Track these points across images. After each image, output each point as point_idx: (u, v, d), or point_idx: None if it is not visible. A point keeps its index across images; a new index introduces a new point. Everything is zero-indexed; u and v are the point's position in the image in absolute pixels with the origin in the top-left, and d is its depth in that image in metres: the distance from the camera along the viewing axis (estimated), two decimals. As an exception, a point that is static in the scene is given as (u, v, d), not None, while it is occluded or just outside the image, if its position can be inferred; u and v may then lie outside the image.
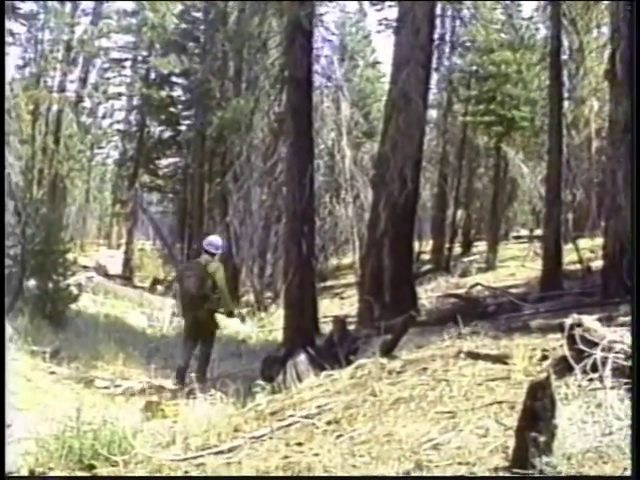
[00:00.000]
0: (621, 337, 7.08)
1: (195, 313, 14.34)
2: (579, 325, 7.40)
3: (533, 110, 35.07)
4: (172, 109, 47.55)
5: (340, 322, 12.54)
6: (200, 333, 14.52)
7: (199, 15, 44.78)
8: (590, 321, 7.71)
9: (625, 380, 6.36)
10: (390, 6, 38.29)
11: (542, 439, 5.04)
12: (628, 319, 11.12)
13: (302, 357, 11.20)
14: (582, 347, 7.05)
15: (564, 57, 27.16)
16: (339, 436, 6.74)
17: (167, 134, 48.32)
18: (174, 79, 47.05)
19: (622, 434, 5.55)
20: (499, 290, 22.42)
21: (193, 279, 14.24)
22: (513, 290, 22.86)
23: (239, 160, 29.66)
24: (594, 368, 6.70)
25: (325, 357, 10.81)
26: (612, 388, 6.29)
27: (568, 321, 7.61)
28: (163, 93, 46.58)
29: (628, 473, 5.05)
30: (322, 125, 27.50)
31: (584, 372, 6.76)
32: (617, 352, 6.70)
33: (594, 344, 6.95)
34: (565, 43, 26.87)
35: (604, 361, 6.62)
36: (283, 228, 21.61)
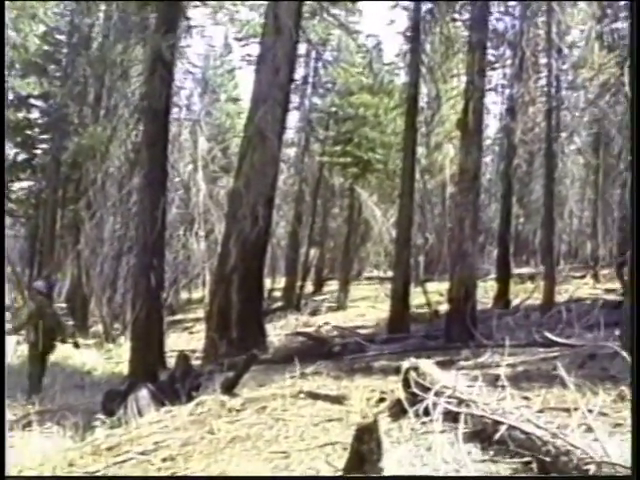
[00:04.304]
0: (455, 382, 7.25)
1: (49, 343, 16.14)
2: (415, 369, 7.55)
3: (388, 154, 35.69)
4: (28, 132, 46.33)
5: (183, 358, 12.44)
6: (43, 360, 16.37)
7: (62, 38, 43.96)
8: (427, 365, 7.86)
9: (455, 425, 6.51)
10: (255, 42, 38.59)
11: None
12: (468, 363, 11.46)
13: (144, 392, 11.01)
14: (416, 391, 7.21)
15: (421, 104, 27.83)
16: (173, 473, 6.71)
17: (22, 157, 47.14)
18: (32, 101, 45.95)
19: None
20: (348, 330, 22.65)
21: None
22: (362, 330, 23.09)
23: (93, 187, 29.26)
24: (427, 412, 6.84)
25: (166, 393, 10.71)
26: (442, 432, 6.43)
27: (405, 364, 7.76)
28: (20, 115, 45.46)
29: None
30: (179, 158, 27.39)
31: (417, 415, 6.90)
32: (448, 397, 6.86)
33: (427, 388, 7.11)
34: (424, 90, 27.57)
35: (435, 405, 6.76)
36: (133, 260, 21.38)
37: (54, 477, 6.68)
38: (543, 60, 29.72)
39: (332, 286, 40.56)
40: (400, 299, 22.59)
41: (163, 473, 6.77)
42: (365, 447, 5.15)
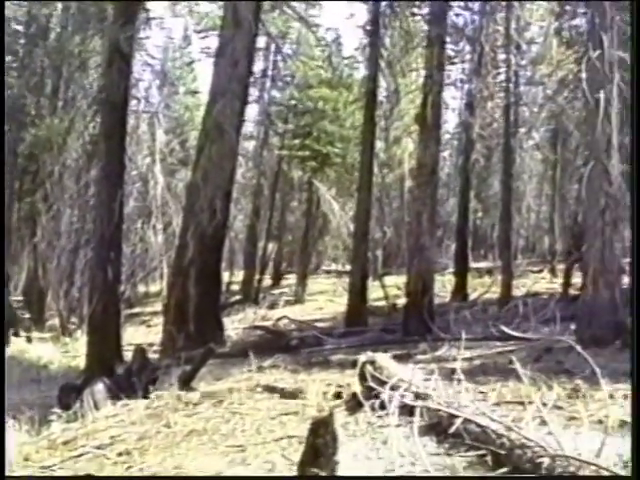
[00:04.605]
0: (412, 376, 7.26)
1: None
2: (371, 363, 7.57)
3: (347, 147, 35.73)
4: (-16, 123, 45.91)
5: (140, 351, 12.33)
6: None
7: (20, 28, 43.42)
8: (384, 359, 7.89)
9: (410, 419, 6.52)
10: (214, 35, 38.42)
11: (323, 475, 5.10)
12: (425, 357, 11.52)
13: (100, 386, 10.92)
14: (372, 384, 7.23)
15: (380, 98, 27.85)
16: (129, 468, 6.67)
17: (-23, 148, 46.61)
18: (-12, 92, 45.48)
19: (404, 471, 5.68)
20: (305, 324, 22.63)
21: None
22: (320, 324, 23.09)
23: (50, 180, 29.04)
24: (383, 406, 6.85)
25: (123, 386, 10.64)
26: (398, 426, 6.44)
27: (361, 358, 7.78)
28: (-24, 106, 44.94)
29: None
30: (137, 150, 27.23)
31: (373, 409, 6.91)
32: (404, 390, 6.87)
33: (384, 382, 7.12)
34: (383, 84, 27.58)
35: (391, 399, 6.77)
36: (90, 253, 21.23)
37: (54, 477, 6.63)
38: (502, 56, 29.84)
39: (290, 280, 40.55)
40: (358, 293, 22.65)
41: (118, 468, 6.74)
42: (321, 440, 5.15)
